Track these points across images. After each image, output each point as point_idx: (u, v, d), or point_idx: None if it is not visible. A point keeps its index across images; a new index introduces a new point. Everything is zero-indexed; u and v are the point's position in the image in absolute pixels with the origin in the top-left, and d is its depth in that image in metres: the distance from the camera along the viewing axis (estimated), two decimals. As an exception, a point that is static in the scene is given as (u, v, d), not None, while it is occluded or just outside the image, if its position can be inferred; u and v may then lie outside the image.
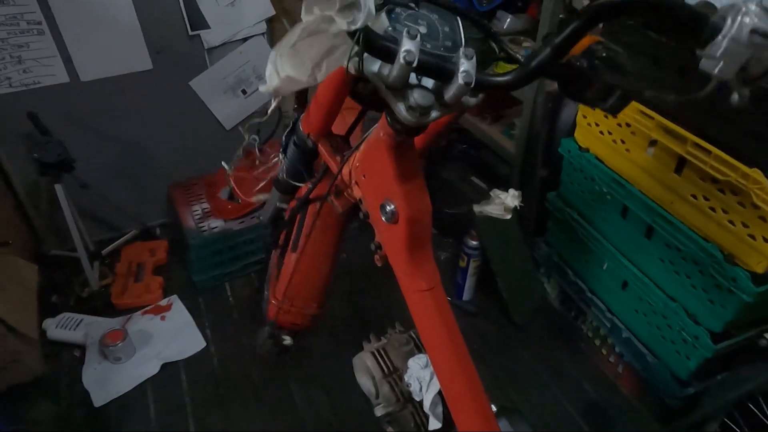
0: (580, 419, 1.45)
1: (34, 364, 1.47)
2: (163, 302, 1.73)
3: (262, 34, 1.85)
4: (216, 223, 1.76)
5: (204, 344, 1.61)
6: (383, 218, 0.66)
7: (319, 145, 0.85)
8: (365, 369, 0.87)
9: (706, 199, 1.12)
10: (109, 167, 1.82)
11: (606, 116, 1.32)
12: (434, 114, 0.57)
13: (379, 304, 1.73)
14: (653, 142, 1.21)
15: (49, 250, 1.79)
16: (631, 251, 1.38)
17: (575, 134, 1.46)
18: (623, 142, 1.30)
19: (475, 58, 0.54)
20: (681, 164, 1.16)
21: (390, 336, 0.88)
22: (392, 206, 0.65)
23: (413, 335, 0.88)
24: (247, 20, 1.79)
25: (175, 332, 1.63)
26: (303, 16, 0.51)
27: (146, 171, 1.89)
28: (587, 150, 1.43)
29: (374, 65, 0.55)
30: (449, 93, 0.55)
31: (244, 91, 1.91)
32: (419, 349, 0.86)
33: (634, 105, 1.22)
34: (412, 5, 0.60)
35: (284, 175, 0.96)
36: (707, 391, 1.28)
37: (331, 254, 0.99)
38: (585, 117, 1.40)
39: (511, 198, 0.67)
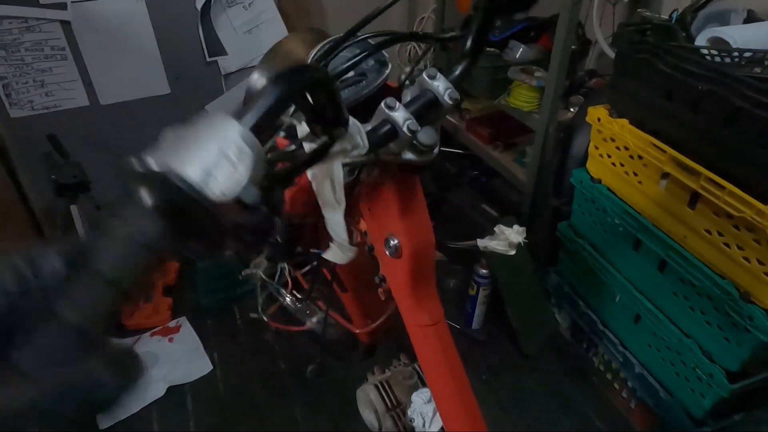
0: (591, 457, 1.41)
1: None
2: (172, 324, 1.73)
3: (278, 60, 1.88)
4: (226, 246, 1.77)
5: (211, 368, 1.61)
6: (387, 252, 0.66)
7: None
8: (368, 402, 0.85)
9: (720, 234, 1.10)
10: (124, 188, 1.85)
11: (618, 148, 1.31)
12: (437, 148, 0.58)
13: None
14: (666, 175, 1.20)
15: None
16: (643, 284, 1.35)
17: (587, 165, 1.46)
18: (635, 174, 1.28)
19: (440, 76, 0.54)
20: (694, 198, 1.14)
21: (394, 369, 0.87)
22: (396, 241, 0.65)
23: (417, 368, 0.87)
24: (263, 47, 1.81)
25: (183, 355, 1.63)
26: (311, 176, 0.53)
27: (160, 192, 1.92)
28: (599, 181, 1.41)
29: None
30: (441, 114, 0.55)
31: (258, 116, 1.94)
32: (423, 382, 0.84)
33: (647, 138, 1.21)
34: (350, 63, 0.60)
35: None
36: (724, 432, 1.24)
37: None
38: (597, 148, 1.40)
39: (515, 234, 0.66)
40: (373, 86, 0.63)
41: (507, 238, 0.67)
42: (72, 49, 1.58)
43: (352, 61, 0.59)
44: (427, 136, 0.55)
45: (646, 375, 1.39)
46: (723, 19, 1.23)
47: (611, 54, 1.55)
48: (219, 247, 0.36)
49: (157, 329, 1.71)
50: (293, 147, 0.53)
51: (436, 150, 0.57)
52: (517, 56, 1.80)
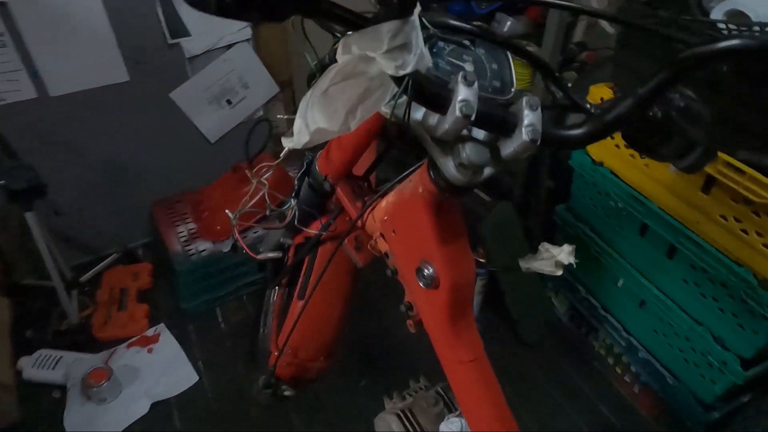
0: (599, 445, 1.39)
1: (9, 411, 1.34)
2: (150, 332, 1.61)
3: (247, 40, 1.73)
4: (204, 246, 1.64)
5: (197, 378, 1.50)
6: (421, 283, 0.57)
7: (338, 189, 0.75)
8: (389, 432, 0.78)
9: (737, 220, 1.05)
10: (85, 187, 1.68)
11: (623, 129, 1.24)
12: (487, 171, 0.48)
13: (379, 326, 1.64)
14: (677, 158, 1.14)
15: (21, 279, 1.65)
16: (649, 270, 1.31)
17: (588, 147, 1.39)
18: (642, 157, 1.22)
19: (540, 109, 0.45)
20: (709, 183, 1.09)
21: (416, 394, 0.79)
22: (431, 270, 0.56)
23: (441, 392, 0.79)
24: (230, 26, 1.66)
25: (165, 366, 1.52)
26: (339, 56, 0.41)
27: (125, 189, 1.76)
28: (601, 164, 1.35)
29: (418, 112, 0.46)
30: (508, 149, 0.46)
31: (229, 102, 1.79)
32: (449, 408, 0.77)
33: (656, 119, 1.14)
34: (467, 43, 0.50)
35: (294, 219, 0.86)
36: (734, 417, 1.23)
37: (344, 302, 0.90)
38: (599, 129, 1.32)
39: (565, 255, 0.59)
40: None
41: (553, 256, 0.59)
42: (12, 34, 1.39)
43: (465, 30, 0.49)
44: (475, 152, 0.46)
45: (652, 360, 1.36)
46: (733, -12, 1.15)
47: (608, 27, 1.47)
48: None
49: (133, 339, 1.58)
50: None
51: (484, 174, 0.48)
52: (506, 29, 1.70)
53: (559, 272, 0.61)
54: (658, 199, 1.21)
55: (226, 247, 1.04)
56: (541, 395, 1.50)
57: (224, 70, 1.73)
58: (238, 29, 1.67)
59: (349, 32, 0.39)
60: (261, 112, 1.88)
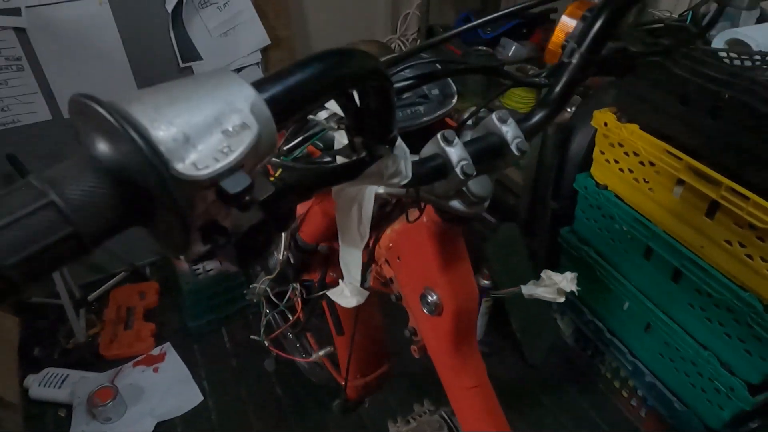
0: (605, 470, 1.37)
1: (15, 430, 1.35)
2: (156, 351, 1.61)
3: (257, 63, 1.76)
4: (211, 265, 1.66)
5: (201, 398, 1.50)
6: (424, 309, 0.58)
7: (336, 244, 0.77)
8: (394, 457, 0.78)
9: (742, 245, 1.05)
10: (95, 207, 1.71)
11: (627, 154, 1.25)
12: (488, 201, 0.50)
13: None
14: (681, 182, 1.15)
15: (30, 297, 1.66)
16: (655, 293, 1.31)
17: (592, 170, 1.40)
18: (646, 181, 1.23)
19: (510, 119, 0.46)
20: (713, 208, 1.09)
21: (420, 418, 0.79)
22: (434, 297, 0.57)
23: (445, 416, 0.79)
24: (241, 50, 1.70)
25: (170, 386, 1.52)
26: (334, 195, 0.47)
27: (135, 209, 1.78)
28: (605, 187, 1.36)
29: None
30: (501, 166, 0.47)
31: (238, 123, 1.82)
32: (453, 433, 0.77)
33: (660, 145, 1.15)
34: (412, 81, 0.52)
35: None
36: (743, 444, 1.21)
37: (378, 314, 0.93)
38: (603, 153, 1.34)
39: (567, 282, 0.59)
40: (433, 117, 0.54)
41: (555, 284, 0.60)
42: (29, 58, 1.43)
43: (415, 77, 0.50)
44: (480, 185, 0.47)
45: (658, 384, 1.35)
46: (732, 17, 1.17)
47: (611, 52, 1.49)
48: (178, 246, 0.27)
49: (139, 358, 1.59)
50: (326, 159, 0.46)
51: (486, 203, 0.49)
52: (510, 54, 1.73)
53: (561, 299, 0.61)
54: (663, 223, 1.22)
55: (270, 366, 1.13)
56: (548, 419, 1.49)
57: (234, 93, 1.77)
58: (248, 53, 1.71)
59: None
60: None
